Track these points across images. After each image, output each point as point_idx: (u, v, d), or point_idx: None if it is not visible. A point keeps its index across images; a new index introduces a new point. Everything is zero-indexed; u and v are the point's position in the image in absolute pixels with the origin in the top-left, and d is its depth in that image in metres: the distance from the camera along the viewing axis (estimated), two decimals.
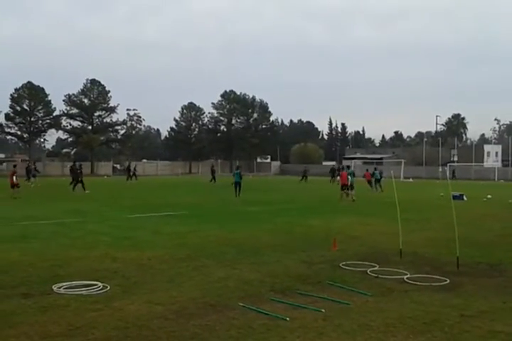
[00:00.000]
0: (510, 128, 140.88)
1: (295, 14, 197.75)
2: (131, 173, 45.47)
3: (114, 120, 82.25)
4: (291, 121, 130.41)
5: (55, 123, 77.53)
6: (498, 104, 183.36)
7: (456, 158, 77.22)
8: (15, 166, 28.09)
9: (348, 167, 28.73)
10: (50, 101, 76.51)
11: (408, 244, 10.33)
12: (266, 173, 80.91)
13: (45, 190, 32.35)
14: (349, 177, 25.16)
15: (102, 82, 79.48)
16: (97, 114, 79.73)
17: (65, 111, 78.04)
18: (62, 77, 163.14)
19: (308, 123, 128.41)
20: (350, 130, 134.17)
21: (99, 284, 7.24)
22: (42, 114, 76.36)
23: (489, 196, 26.76)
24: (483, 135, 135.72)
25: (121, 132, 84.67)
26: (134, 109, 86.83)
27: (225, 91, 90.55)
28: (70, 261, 9.13)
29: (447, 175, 43.37)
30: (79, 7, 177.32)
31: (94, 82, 78.96)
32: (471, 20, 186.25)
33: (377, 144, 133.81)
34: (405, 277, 7.97)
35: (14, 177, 24.89)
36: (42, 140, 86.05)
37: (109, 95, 79.82)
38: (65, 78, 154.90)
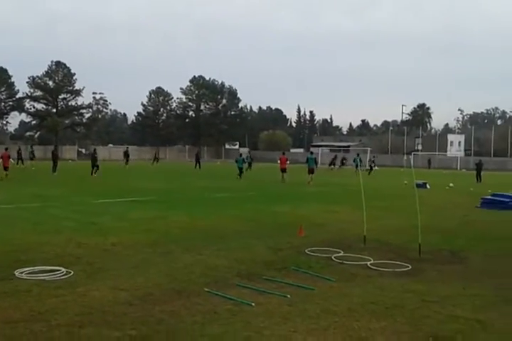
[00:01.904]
0: (473, 118, 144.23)
1: (265, 1, 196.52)
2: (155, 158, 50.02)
3: (79, 103, 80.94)
4: (260, 107, 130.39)
5: (18, 106, 75.74)
6: (462, 94, 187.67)
7: (420, 147, 78.74)
8: (7, 149, 29.14)
9: (312, 153, 30.40)
10: (13, 83, 74.66)
11: (372, 231, 10.49)
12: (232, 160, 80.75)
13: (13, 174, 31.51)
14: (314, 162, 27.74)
15: (68, 65, 77.84)
16: (61, 96, 78.20)
17: (29, 94, 76.27)
18: (26, 58, 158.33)
19: (277, 110, 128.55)
20: (318, 118, 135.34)
21: (63, 269, 7.13)
22: (4, 96, 74.45)
23: (451, 184, 27.43)
24: (447, 125, 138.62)
25: (87, 116, 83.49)
26: (100, 93, 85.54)
27: (194, 77, 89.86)
28: (33, 246, 8.96)
29: (411, 163, 45.06)
30: None
31: (59, 65, 77.25)
32: (437, 11, 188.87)
33: (345, 132, 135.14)
34: (369, 263, 8.12)
35: (11, 160, 27.44)
36: (4, 122, 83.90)
37: (74, 78, 78.38)
38: (29, 60, 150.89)
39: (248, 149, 53.43)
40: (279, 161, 29.78)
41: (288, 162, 29.34)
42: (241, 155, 34.49)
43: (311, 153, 30.31)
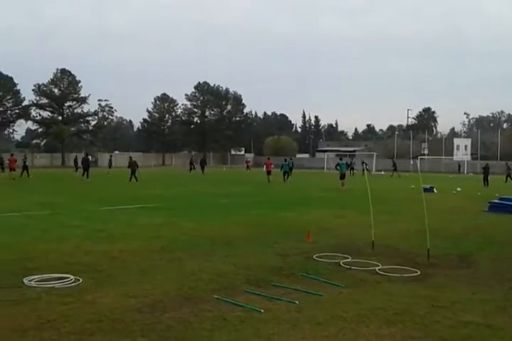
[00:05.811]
0: (479, 122, 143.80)
1: (265, 5, 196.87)
2: (192, 166, 49.37)
3: (85, 111, 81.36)
4: (264, 113, 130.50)
5: (24, 114, 76.16)
6: (467, 98, 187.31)
7: (426, 151, 78.47)
8: (12, 155, 36.88)
9: (341, 159, 32.26)
10: (18, 90, 75.13)
11: (380, 236, 10.47)
12: (240, 165, 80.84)
13: (19, 182, 31.74)
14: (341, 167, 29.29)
15: (73, 72, 78.36)
16: (67, 104, 78.65)
17: (35, 101, 76.68)
18: (31, 66, 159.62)
19: (282, 115, 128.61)
20: (324, 123, 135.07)
21: (71, 277, 7.14)
22: (10, 104, 74.92)
23: (459, 189, 27.30)
24: (453, 129, 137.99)
25: (93, 123, 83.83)
26: (105, 100, 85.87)
27: (199, 83, 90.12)
28: (41, 254, 8.98)
29: (418, 167, 45.18)
30: None
31: (64, 72, 77.73)
32: (440, 15, 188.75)
33: (350, 137, 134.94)
34: (377, 268, 8.08)
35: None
36: (11, 130, 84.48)
37: (79, 85, 78.85)
38: (35, 68, 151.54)
39: (290, 157, 53.91)
40: (265, 165, 35.32)
41: (272, 166, 35.09)
42: (285, 160, 36.74)
43: (341, 158, 32.26)
